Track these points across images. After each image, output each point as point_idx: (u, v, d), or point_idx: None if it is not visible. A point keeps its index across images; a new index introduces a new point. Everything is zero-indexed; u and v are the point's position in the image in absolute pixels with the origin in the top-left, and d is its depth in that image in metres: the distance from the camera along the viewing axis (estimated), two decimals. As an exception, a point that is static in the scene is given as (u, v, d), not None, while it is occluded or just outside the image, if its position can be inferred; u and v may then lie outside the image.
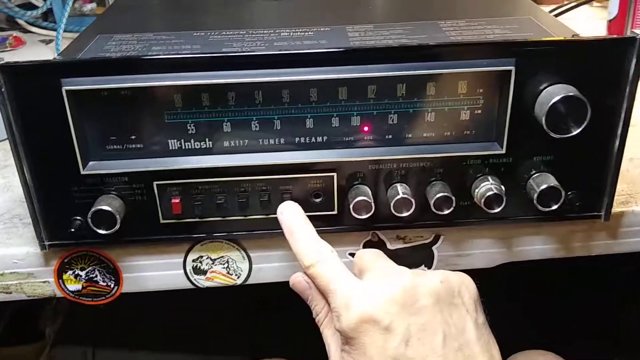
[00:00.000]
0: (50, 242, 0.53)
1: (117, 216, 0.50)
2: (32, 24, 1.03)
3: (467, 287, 0.45)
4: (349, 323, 0.42)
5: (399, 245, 0.57)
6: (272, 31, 0.56)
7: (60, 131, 0.48)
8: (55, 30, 1.00)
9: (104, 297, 0.58)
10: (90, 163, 0.51)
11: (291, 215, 0.50)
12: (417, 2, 0.70)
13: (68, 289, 0.57)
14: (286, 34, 0.55)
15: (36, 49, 0.93)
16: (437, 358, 0.41)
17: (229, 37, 0.55)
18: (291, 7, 0.69)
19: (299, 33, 0.55)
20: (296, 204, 0.51)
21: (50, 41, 1.00)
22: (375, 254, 0.48)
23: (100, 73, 0.47)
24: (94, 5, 1.07)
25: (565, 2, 0.99)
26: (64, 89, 0.47)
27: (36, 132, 0.49)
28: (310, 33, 0.55)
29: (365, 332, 0.42)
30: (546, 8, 0.87)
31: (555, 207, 0.51)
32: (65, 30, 0.87)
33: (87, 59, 0.51)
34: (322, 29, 0.56)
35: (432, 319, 0.42)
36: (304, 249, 0.48)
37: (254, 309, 0.98)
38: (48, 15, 1.04)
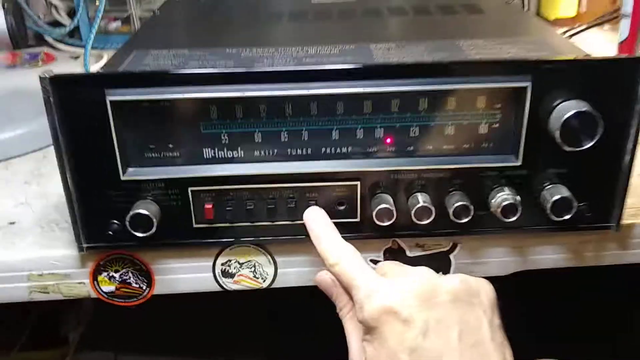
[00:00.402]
0: (87, 245, 0.55)
1: (154, 220, 0.52)
2: (58, 41, 1.08)
3: (486, 291, 0.47)
4: (371, 313, 0.45)
5: (418, 253, 0.60)
6: (300, 49, 0.59)
7: (103, 139, 0.51)
8: (80, 47, 1.05)
9: (136, 299, 0.60)
10: (130, 169, 0.53)
11: (317, 218, 0.53)
12: (437, 23, 0.73)
13: (102, 290, 0.59)
14: (314, 51, 0.58)
15: (67, 64, 0.97)
16: (452, 352, 0.43)
17: (260, 54, 0.58)
18: (318, 27, 0.72)
19: (325, 50, 0.58)
20: (322, 210, 0.54)
21: (77, 57, 1.04)
22: (395, 262, 0.51)
23: (142, 85, 0.50)
24: (118, 23, 1.11)
25: (576, 25, 1.02)
26: (107, 99, 0.50)
27: (80, 139, 0.51)
28: (336, 50, 0.58)
29: (385, 323, 0.44)
30: (558, 30, 0.90)
31: (567, 217, 0.53)
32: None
33: (130, 71, 0.54)
34: (347, 47, 0.59)
35: (449, 315, 0.44)
36: (328, 249, 0.50)
37: (270, 315, 0.99)
38: (74, 32, 1.08)
